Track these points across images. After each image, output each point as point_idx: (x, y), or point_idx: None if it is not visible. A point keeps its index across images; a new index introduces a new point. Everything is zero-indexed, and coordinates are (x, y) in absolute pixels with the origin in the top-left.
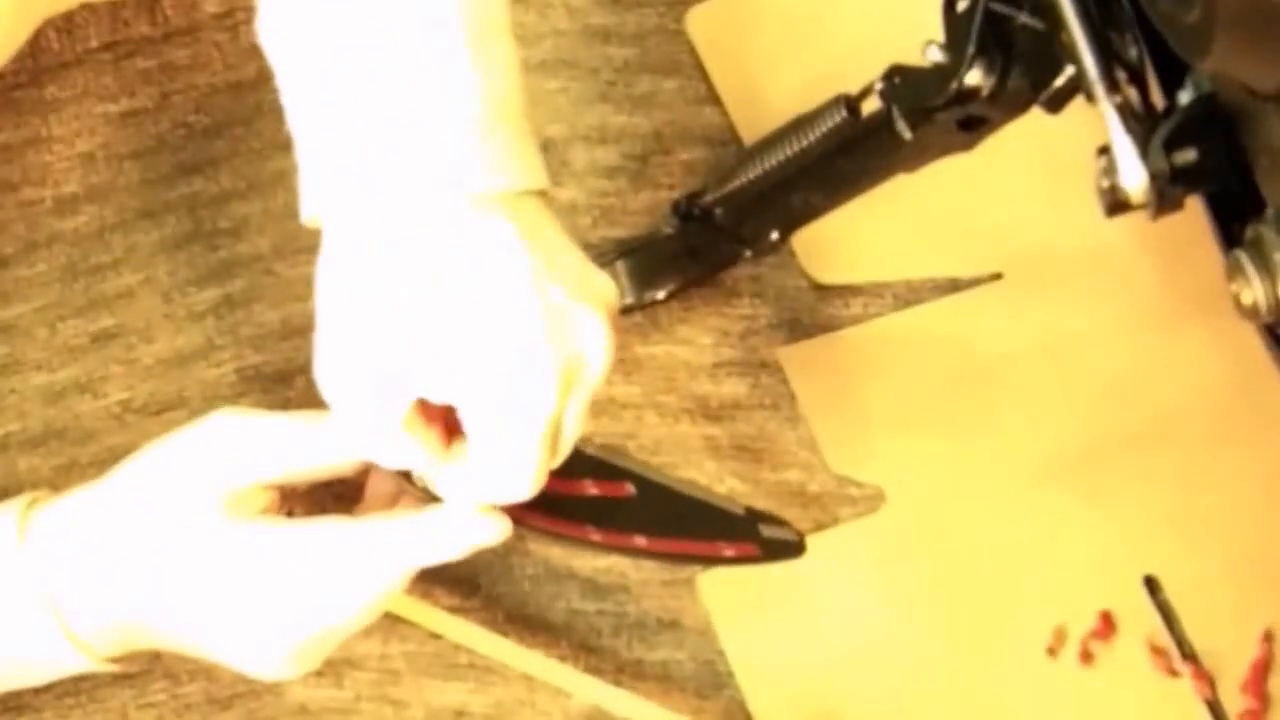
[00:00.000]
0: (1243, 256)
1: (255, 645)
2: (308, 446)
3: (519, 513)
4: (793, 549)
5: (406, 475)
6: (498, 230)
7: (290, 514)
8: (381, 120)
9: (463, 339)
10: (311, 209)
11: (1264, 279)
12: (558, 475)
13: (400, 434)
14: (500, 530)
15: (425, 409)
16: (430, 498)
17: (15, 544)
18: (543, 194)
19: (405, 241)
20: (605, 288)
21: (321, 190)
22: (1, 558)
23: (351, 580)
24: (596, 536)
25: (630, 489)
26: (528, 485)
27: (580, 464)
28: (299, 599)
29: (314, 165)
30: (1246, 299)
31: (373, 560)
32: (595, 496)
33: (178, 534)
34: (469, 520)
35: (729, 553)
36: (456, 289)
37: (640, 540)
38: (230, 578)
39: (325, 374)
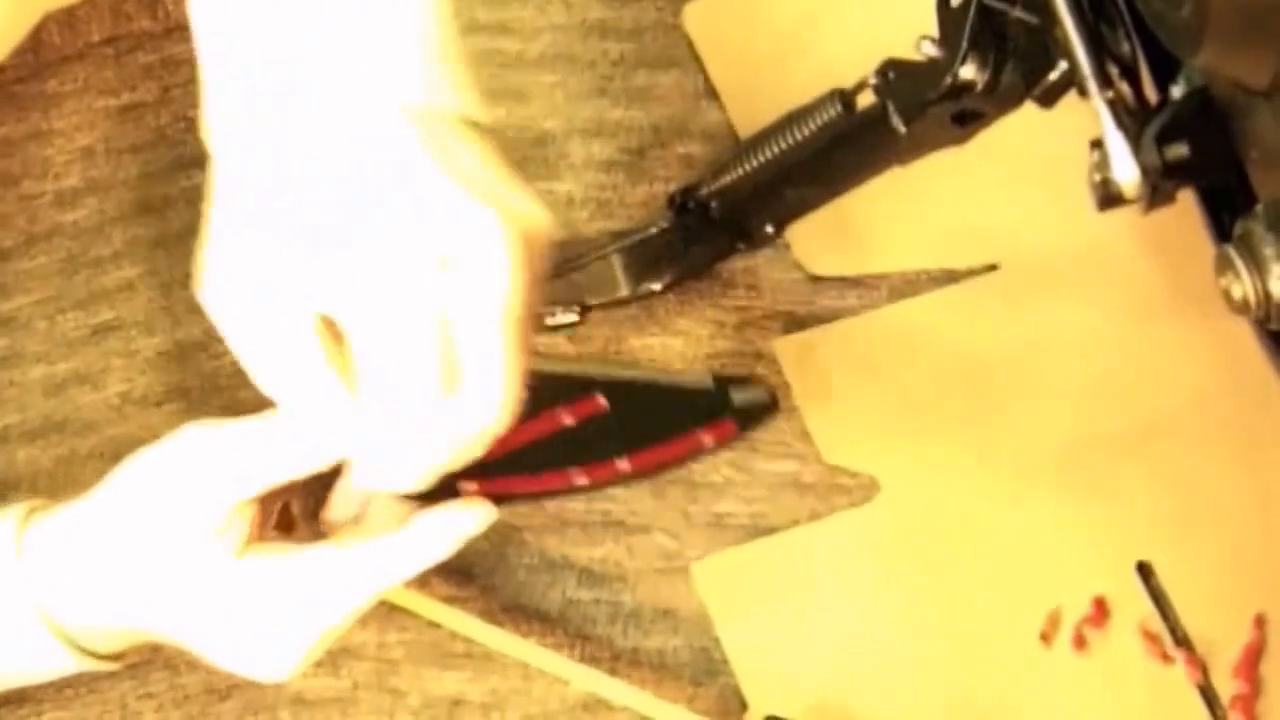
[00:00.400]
0: (1232, 251)
1: (250, 656)
2: (280, 450)
3: (501, 487)
4: (767, 409)
5: None
6: (401, 131)
7: (285, 508)
8: (292, 31)
9: (341, 232)
10: (217, 118)
11: (1253, 274)
12: (532, 415)
13: (304, 350)
14: (484, 516)
15: None
16: None
17: (13, 559)
18: (478, 126)
19: (307, 144)
20: (525, 208)
21: (224, 102)
22: (1, 573)
23: (344, 601)
24: (582, 479)
25: (601, 401)
26: (421, 390)
27: (549, 389)
28: (293, 622)
29: (221, 75)
30: (1236, 294)
31: (363, 582)
32: (571, 427)
33: (166, 565)
34: (451, 518)
35: (709, 440)
36: (346, 186)
37: (624, 464)
38: (223, 606)
39: (213, 284)
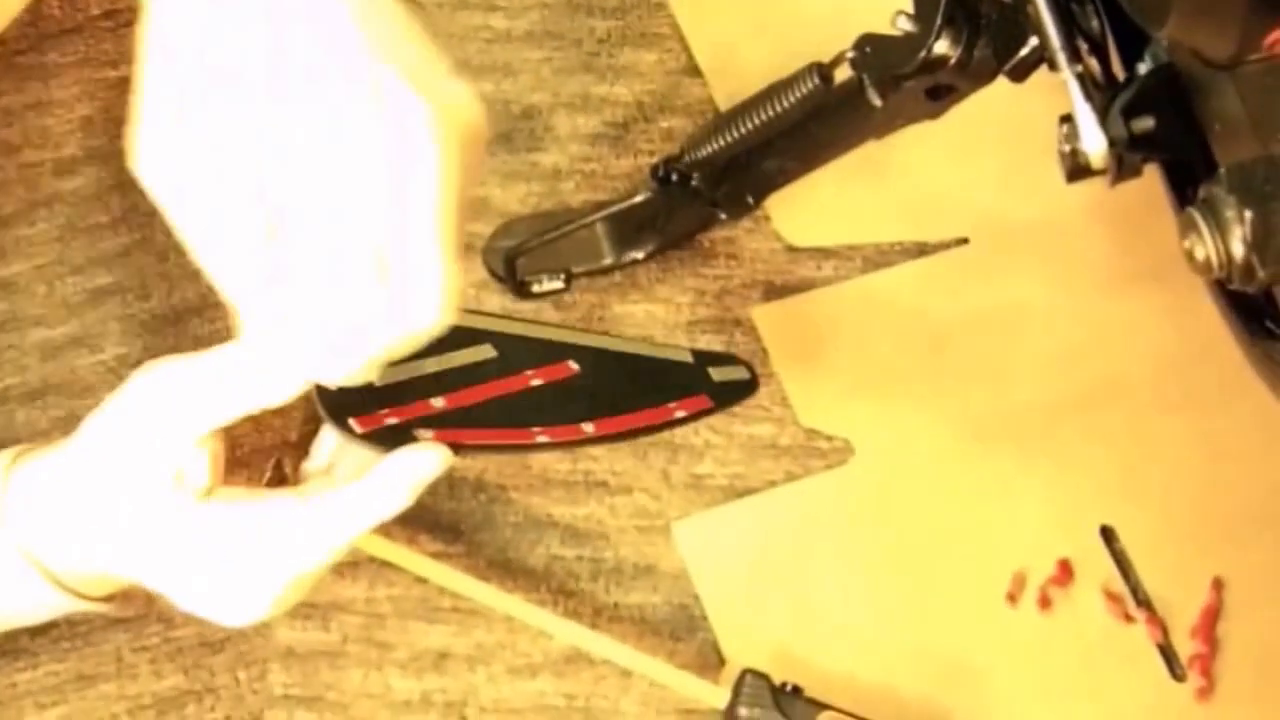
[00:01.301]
0: (1196, 214)
1: (215, 600)
2: (231, 381)
3: (460, 436)
4: (746, 387)
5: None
6: (334, 5)
7: (279, 464)
8: None
9: (274, 106)
10: None
11: (1215, 235)
12: (501, 373)
13: (242, 217)
14: (439, 460)
15: None
16: None
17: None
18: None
19: (243, 12)
20: (458, 98)
21: None
22: None
23: (308, 550)
24: (544, 437)
25: (573, 366)
26: (351, 270)
27: (522, 353)
28: (257, 568)
29: None
30: (1199, 255)
31: (327, 532)
32: (539, 387)
33: (131, 507)
34: (408, 463)
35: (681, 413)
36: (280, 58)
37: (588, 427)
38: (188, 550)
39: (149, 156)
